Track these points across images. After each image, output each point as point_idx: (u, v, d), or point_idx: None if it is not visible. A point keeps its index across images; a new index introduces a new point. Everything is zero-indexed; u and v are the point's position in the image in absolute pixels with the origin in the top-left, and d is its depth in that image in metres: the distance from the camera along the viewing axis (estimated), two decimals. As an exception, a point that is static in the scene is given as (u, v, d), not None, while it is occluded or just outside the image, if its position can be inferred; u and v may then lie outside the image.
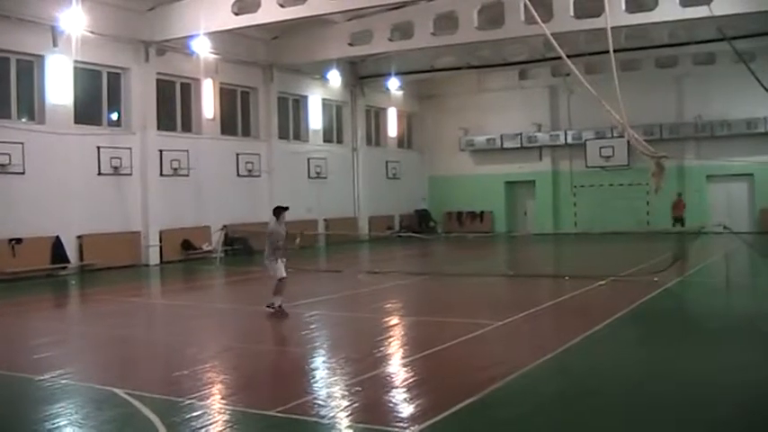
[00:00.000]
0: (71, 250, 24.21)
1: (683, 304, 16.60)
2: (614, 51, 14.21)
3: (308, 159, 34.67)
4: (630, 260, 23.25)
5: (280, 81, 32.73)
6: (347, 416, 8.05)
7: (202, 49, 26.98)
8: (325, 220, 34.66)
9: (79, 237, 24.56)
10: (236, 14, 24.94)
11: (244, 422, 7.99)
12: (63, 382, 9.73)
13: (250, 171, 31.23)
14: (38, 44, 23.51)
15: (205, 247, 28.28)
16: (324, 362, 11.14)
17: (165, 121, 28.09)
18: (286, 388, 9.48)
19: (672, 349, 11.21)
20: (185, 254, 27.89)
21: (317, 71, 34.40)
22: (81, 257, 24.58)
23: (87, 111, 25.47)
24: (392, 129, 41.13)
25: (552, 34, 15.02)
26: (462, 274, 21.88)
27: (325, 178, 35.39)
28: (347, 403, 8.54)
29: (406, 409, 8.30)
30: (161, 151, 27.26)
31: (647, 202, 35.10)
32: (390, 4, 25.98)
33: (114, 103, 26.66)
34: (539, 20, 15.21)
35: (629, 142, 24.20)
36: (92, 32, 23.97)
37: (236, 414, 8.23)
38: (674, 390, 8.78)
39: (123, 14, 25.73)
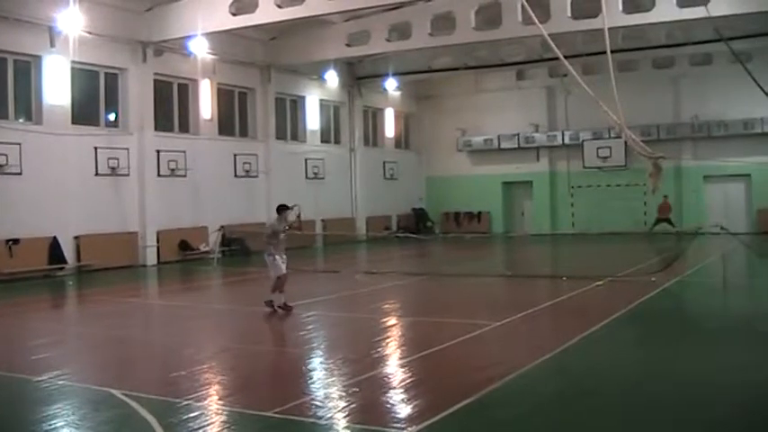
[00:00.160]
0: (68, 251, 24.18)
1: (680, 304, 16.61)
2: (611, 52, 14.23)
3: (306, 160, 34.67)
4: (628, 260, 23.27)
5: (277, 81, 32.72)
6: (345, 417, 8.04)
7: (200, 49, 26.95)
8: (322, 220, 34.65)
9: (76, 237, 24.53)
10: (234, 15, 24.93)
11: (241, 423, 7.98)
12: (60, 382, 9.72)
13: (247, 171, 31.22)
14: (35, 44, 23.48)
15: (202, 248, 28.27)
16: (321, 362, 11.13)
17: (163, 122, 28.08)
18: (284, 389, 9.48)
19: (670, 349, 11.22)
20: (183, 254, 27.87)
21: (315, 72, 34.41)
22: (78, 258, 24.55)
23: (84, 111, 25.45)
24: (389, 129, 41.14)
25: (549, 35, 15.02)
26: (460, 275, 21.89)
27: (322, 179, 35.39)
28: (345, 404, 8.53)
29: (404, 410, 8.29)
30: (158, 152, 27.25)
31: (645, 203, 35.16)
32: (388, 5, 25.98)
33: (112, 104, 26.64)
34: (536, 20, 15.21)
35: (626, 143, 24.24)
36: (89, 33, 23.94)
37: (233, 415, 8.22)
38: (673, 390, 8.79)
39: (121, 15, 25.71)
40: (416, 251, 31.45)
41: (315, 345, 12.73)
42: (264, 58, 31.84)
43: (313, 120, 35.62)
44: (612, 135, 35.36)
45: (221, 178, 30.04)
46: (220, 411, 8.39)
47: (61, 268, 23.81)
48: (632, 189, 35.41)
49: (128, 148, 26.25)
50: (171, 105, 28.93)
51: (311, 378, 10.20)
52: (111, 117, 26.79)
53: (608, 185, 37.64)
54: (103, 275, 23.98)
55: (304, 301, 16.14)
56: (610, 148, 36.54)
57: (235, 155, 30.81)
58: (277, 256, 15.28)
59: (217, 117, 30.31)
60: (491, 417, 7.99)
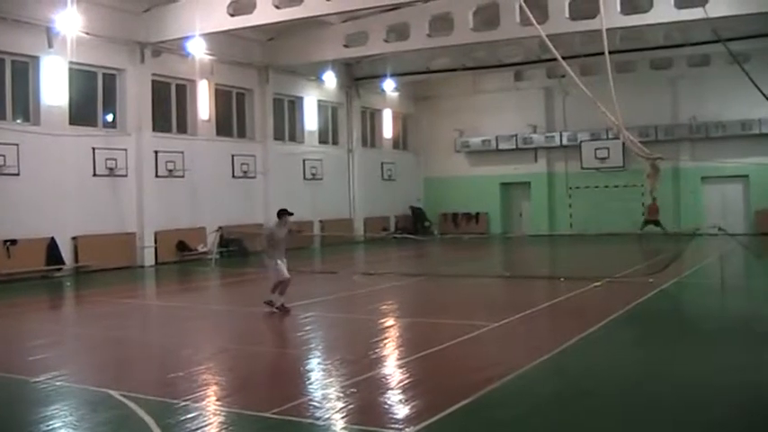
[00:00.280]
0: (66, 251, 24.17)
1: (678, 305, 16.62)
2: (609, 53, 14.25)
3: (304, 161, 34.66)
4: (626, 261, 23.28)
5: (275, 82, 32.72)
6: (342, 417, 8.04)
7: (198, 50, 26.97)
8: (320, 221, 34.66)
9: (74, 238, 24.52)
10: (232, 16, 24.93)
11: (239, 424, 7.97)
12: (58, 383, 9.71)
13: (245, 172, 31.21)
14: (33, 45, 23.47)
15: (200, 249, 28.28)
16: (319, 363, 11.13)
17: (161, 123, 28.06)
18: (282, 389, 9.47)
19: (668, 350, 11.22)
20: (180, 255, 27.87)
21: (313, 72, 34.41)
22: (76, 259, 24.54)
23: (82, 112, 25.44)
24: (387, 130, 41.16)
25: (547, 36, 15.04)
26: (458, 275, 21.89)
27: (320, 179, 35.38)
28: (342, 405, 8.53)
29: (402, 411, 8.29)
30: (156, 152, 27.23)
31: (643, 204, 35.14)
32: (386, 6, 25.98)
33: (109, 105, 26.63)
34: (534, 21, 15.23)
35: (624, 144, 24.27)
36: (87, 33, 23.93)
37: (231, 416, 8.21)
38: (671, 391, 8.78)
39: (119, 16, 25.71)
40: (414, 252, 31.46)
41: (313, 345, 12.73)
42: (262, 58, 31.84)
43: (311, 120, 35.61)
44: (610, 136, 35.41)
45: (219, 179, 30.02)
46: (218, 412, 8.38)
47: (59, 269, 23.78)
48: (630, 190, 35.45)
49: (126, 149, 26.23)
50: (169, 106, 28.91)
51: (309, 379, 10.20)
52: (109, 118, 26.77)
53: (606, 186, 37.65)
54: (101, 276, 23.96)
55: (302, 302, 16.13)
56: (608, 149, 36.58)
57: (233, 155, 30.80)
58: (279, 261, 15.28)
59: (215, 118, 30.30)
60: (489, 417, 7.99)
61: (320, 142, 36.29)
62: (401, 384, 9.46)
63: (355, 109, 38.15)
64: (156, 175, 27.23)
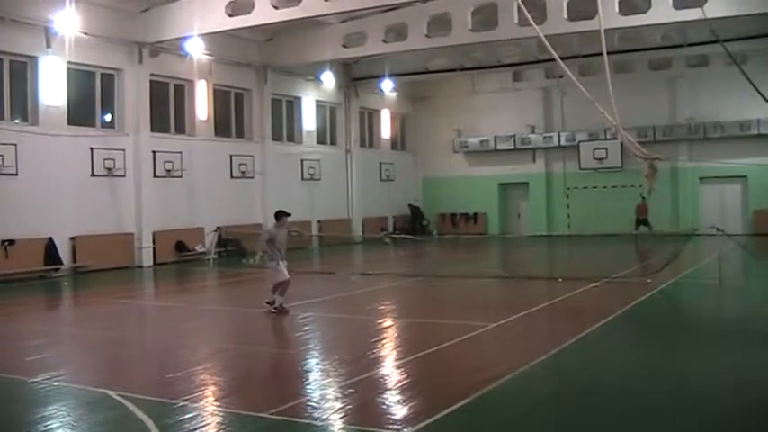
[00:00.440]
0: (64, 252, 24.16)
1: (676, 306, 16.63)
2: (607, 53, 14.23)
3: (302, 161, 34.65)
4: (624, 262, 23.28)
5: (273, 82, 32.72)
6: (341, 418, 8.03)
7: (196, 50, 26.97)
8: (318, 221, 34.66)
9: (72, 238, 24.51)
10: (230, 16, 24.92)
11: (237, 424, 7.97)
12: (56, 383, 9.71)
13: (243, 172, 31.20)
14: (31, 45, 23.45)
15: (198, 249, 28.28)
16: (317, 363, 11.13)
17: (159, 123, 28.03)
18: (280, 390, 9.48)
19: (666, 350, 11.23)
20: (179, 255, 27.86)
21: (311, 73, 34.41)
22: (74, 259, 24.52)
23: (81, 112, 25.42)
24: (386, 130, 41.15)
25: (546, 36, 15.01)
26: (456, 276, 21.89)
27: (318, 180, 35.37)
28: (341, 405, 8.53)
29: (400, 411, 8.30)
30: (154, 153, 27.22)
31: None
32: (384, 6, 25.98)
33: (108, 105, 26.62)
34: (532, 22, 15.21)
35: (622, 144, 24.29)
36: (85, 34, 23.94)
37: (229, 416, 8.21)
38: (669, 390, 8.79)
39: (117, 16, 25.71)
40: (412, 252, 31.46)
41: (311, 346, 12.73)
42: (260, 58, 31.83)
43: (309, 121, 35.60)
44: (608, 136, 35.46)
45: (217, 179, 30.01)
46: (216, 412, 8.38)
47: (57, 269, 23.77)
48: (628, 190, 35.41)
49: (124, 149, 26.22)
50: (167, 106, 28.90)
51: (307, 379, 10.19)
52: (107, 118, 26.77)
53: (604, 187, 37.66)
54: (99, 276, 23.95)
55: (300, 303, 16.12)
56: (606, 149, 36.57)
57: (231, 156, 30.79)
58: (280, 262, 15.29)
59: (213, 118, 30.29)
60: (487, 418, 8.00)
61: (318, 142, 36.29)
62: (399, 384, 9.46)
63: (353, 109, 38.15)
64: (155, 176, 27.21)
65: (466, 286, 20.11)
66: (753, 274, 22.00)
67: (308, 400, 8.78)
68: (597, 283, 18.40)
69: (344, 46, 30.11)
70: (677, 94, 36.51)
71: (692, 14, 22.75)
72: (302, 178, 34.54)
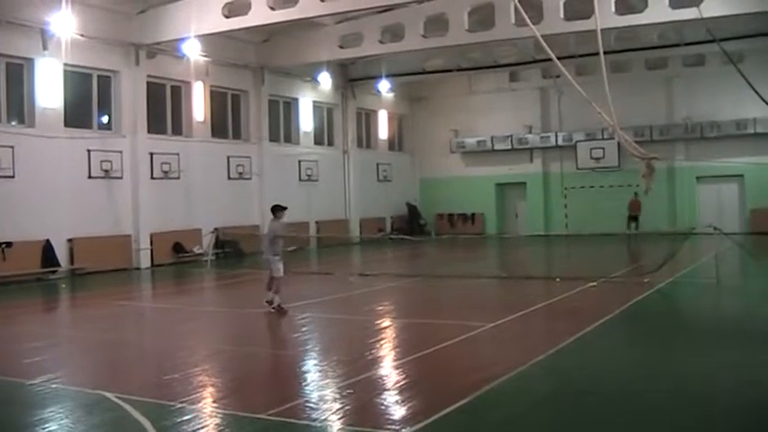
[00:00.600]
0: (62, 254, 24.11)
1: (674, 305, 16.64)
2: (604, 53, 14.22)
3: (299, 162, 34.64)
4: (621, 261, 23.30)
5: (270, 83, 32.70)
6: (339, 418, 8.04)
7: (193, 51, 26.94)
8: (316, 222, 34.66)
9: (70, 240, 24.47)
10: (227, 17, 24.90)
11: (235, 425, 7.97)
12: (53, 386, 9.70)
13: (241, 174, 31.19)
14: (28, 47, 23.42)
15: (196, 250, 28.24)
16: (315, 364, 11.13)
17: (156, 124, 27.99)
18: (277, 391, 9.48)
19: (663, 350, 11.25)
20: (176, 257, 27.83)
21: (308, 74, 34.39)
22: (71, 261, 24.49)
23: (77, 114, 25.40)
24: (383, 131, 41.14)
25: (542, 36, 15.01)
26: (454, 276, 21.89)
27: (315, 181, 35.37)
28: (339, 406, 8.53)
29: (398, 412, 8.30)
30: (151, 154, 27.19)
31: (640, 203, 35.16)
32: (381, 7, 25.99)
33: (104, 106, 26.58)
34: (529, 22, 15.22)
35: (619, 144, 24.23)
36: (82, 35, 23.89)
37: (227, 417, 8.21)
38: (667, 390, 8.80)
39: (113, 17, 25.67)
40: (410, 252, 31.46)
41: (309, 347, 12.73)
42: (257, 60, 31.82)
43: (306, 122, 35.60)
44: (605, 136, 35.48)
45: (214, 180, 29.99)
46: (214, 414, 8.38)
47: (54, 271, 23.74)
48: (625, 190, 35.37)
49: (121, 151, 26.19)
50: (164, 108, 28.86)
51: (305, 380, 10.19)
52: (104, 119, 26.73)
53: (601, 186, 37.65)
54: (97, 278, 23.92)
55: (298, 303, 16.13)
56: (603, 149, 36.59)
57: (228, 157, 30.78)
58: (279, 257, 15.44)
59: (210, 119, 30.27)
60: (485, 418, 8.00)
61: (315, 143, 36.28)
62: (398, 385, 9.47)
63: (350, 110, 38.14)
64: (152, 177, 27.18)
65: (464, 286, 20.11)
66: (750, 273, 22.02)
67: (307, 401, 8.78)
68: (595, 283, 18.41)
69: (341, 47, 30.10)
70: (674, 93, 36.55)
71: (688, 14, 22.78)
72: (300, 179, 34.53)
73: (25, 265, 22.90)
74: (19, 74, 23.76)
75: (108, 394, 9.00)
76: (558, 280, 20.07)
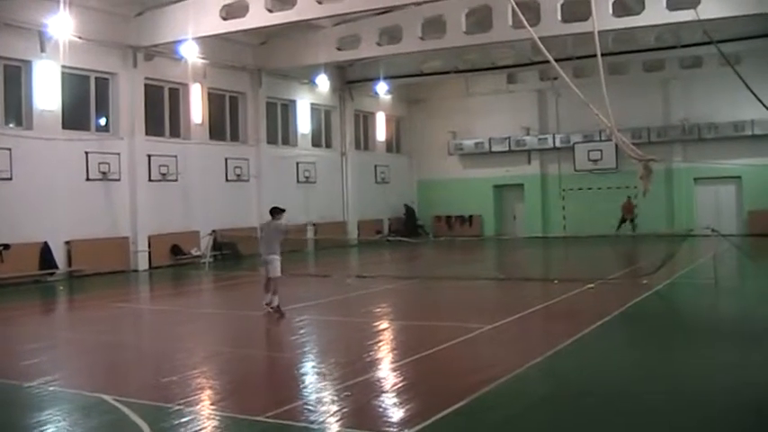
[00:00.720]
0: (59, 256, 24.09)
1: (672, 306, 16.65)
2: (602, 55, 14.24)
3: (297, 164, 34.63)
4: (619, 263, 23.30)
5: (268, 86, 32.71)
6: (337, 421, 8.03)
7: (190, 53, 26.94)
8: (314, 224, 34.66)
9: (67, 242, 24.45)
10: (225, 19, 24.91)
11: (233, 428, 7.97)
12: (51, 388, 9.69)
13: (239, 176, 31.18)
14: (25, 49, 23.42)
15: (194, 252, 28.23)
16: (313, 366, 11.13)
17: (154, 127, 27.99)
18: (275, 393, 9.47)
19: (662, 351, 11.26)
20: (174, 259, 27.81)
21: (306, 76, 34.39)
22: (69, 263, 24.47)
23: (75, 116, 25.39)
24: (381, 133, 41.14)
25: (540, 38, 15.02)
26: (452, 278, 21.89)
27: (313, 183, 35.37)
28: (337, 408, 8.52)
29: (396, 414, 8.30)
30: (149, 156, 27.19)
31: (636, 205, 35.22)
32: (378, 9, 26.00)
33: (102, 109, 26.58)
34: (526, 24, 15.22)
35: (616, 145, 24.22)
36: (79, 38, 23.89)
37: (225, 420, 8.20)
38: (665, 391, 8.80)
39: (111, 19, 25.67)
40: (408, 254, 31.45)
41: (307, 349, 12.72)
42: (255, 62, 31.82)
43: (304, 124, 35.59)
44: (603, 138, 35.49)
45: (212, 183, 29.98)
46: (212, 416, 8.37)
47: (52, 274, 23.72)
48: (623, 192, 35.42)
49: (118, 153, 26.18)
50: (162, 110, 28.86)
51: (303, 382, 10.19)
52: (102, 122, 26.72)
53: (599, 188, 37.67)
54: (95, 281, 23.90)
55: (296, 305, 16.12)
56: (600, 150, 36.60)
57: (226, 159, 30.77)
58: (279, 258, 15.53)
59: (208, 121, 30.27)
60: (483, 420, 8.00)
61: (313, 145, 36.27)
62: (395, 387, 9.46)
63: (348, 112, 38.14)
64: (150, 179, 27.17)
65: (461, 288, 20.11)
66: (748, 274, 22.04)
67: (305, 404, 8.78)
68: (593, 285, 18.42)
69: (339, 49, 30.12)
70: (671, 95, 36.59)
71: (685, 16, 22.80)
72: (297, 181, 34.52)
73: (23, 267, 22.88)
74: (17, 76, 23.75)
75: (106, 397, 8.99)
76: (556, 282, 20.07)
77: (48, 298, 21.27)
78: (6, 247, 22.49)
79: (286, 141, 34.90)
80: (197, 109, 29.60)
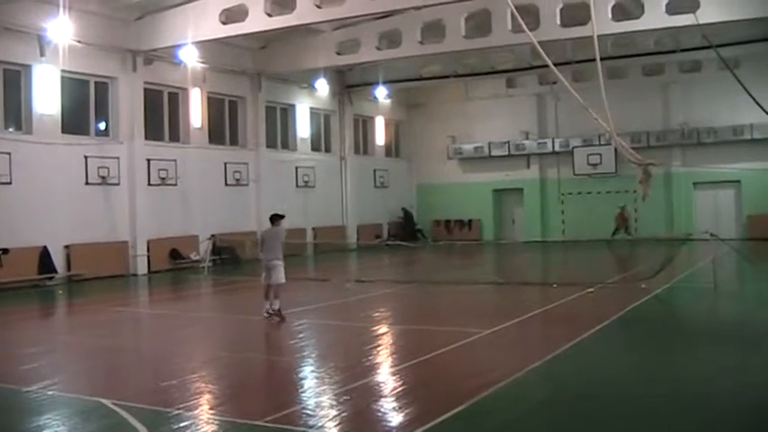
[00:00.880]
0: (59, 260, 24.08)
1: (671, 311, 16.63)
2: (601, 59, 14.26)
3: (296, 168, 34.64)
4: (618, 267, 23.28)
5: (267, 90, 32.72)
6: (336, 425, 8.03)
7: (190, 58, 26.97)
8: (313, 228, 34.66)
9: (67, 247, 24.44)
10: (224, 23, 24.94)
11: (232, 432, 7.98)
12: (50, 392, 9.67)
13: (238, 180, 31.18)
14: (25, 53, 23.43)
15: (193, 257, 28.20)
16: (312, 371, 11.11)
17: (153, 131, 28.00)
18: (274, 397, 9.47)
19: (661, 355, 11.25)
20: (173, 263, 27.80)
21: (305, 80, 34.42)
22: (68, 267, 24.46)
23: (75, 120, 25.39)
24: (380, 137, 41.15)
25: (539, 42, 15.05)
26: (451, 282, 21.87)
27: (313, 187, 35.37)
28: (336, 412, 8.52)
29: (395, 418, 8.29)
30: (149, 160, 27.20)
31: (636, 209, 35.26)
32: (378, 13, 26.03)
33: (102, 113, 26.58)
34: (525, 28, 15.24)
35: (616, 150, 24.30)
36: (79, 42, 23.91)
37: (224, 424, 8.19)
38: (665, 394, 8.80)
39: (111, 24, 25.69)
40: (407, 259, 31.45)
41: (306, 353, 12.71)
42: (254, 66, 31.83)
43: (303, 128, 35.60)
44: (602, 142, 35.57)
45: (211, 187, 29.98)
46: (211, 420, 8.36)
47: (51, 278, 23.69)
48: (622, 196, 35.43)
49: (118, 157, 26.18)
50: (161, 114, 28.87)
51: (302, 386, 10.18)
52: (102, 126, 26.72)
53: (598, 192, 37.66)
54: (94, 285, 23.88)
55: (295, 310, 16.10)
56: (600, 155, 36.65)
57: (225, 163, 30.76)
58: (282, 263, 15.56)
59: (207, 126, 30.27)
60: (482, 424, 7.99)
61: (313, 150, 36.28)
62: (394, 392, 9.45)
63: (348, 116, 38.15)
64: (149, 184, 27.17)
65: (461, 293, 20.08)
66: (747, 278, 22.03)
67: (303, 408, 8.77)
68: (592, 289, 18.42)
69: (338, 53, 30.15)
70: (670, 99, 36.61)
71: (684, 20, 22.82)
72: (297, 185, 34.53)
73: (22, 271, 22.87)
74: (16, 80, 23.77)
75: (105, 401, 8.97)
76: (555, 286, 20.06)
77: (47, 302, 21.25)
78: (5, 251, 22.48)
79: (285, 146, 34.92)
80: (196, 113, 29.61)
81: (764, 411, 8.42)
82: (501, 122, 39.70)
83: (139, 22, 26.24)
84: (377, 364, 11.49)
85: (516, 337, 13.34)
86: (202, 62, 28.47)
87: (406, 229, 40.25)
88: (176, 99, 29.36)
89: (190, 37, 25.13)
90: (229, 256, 29.63)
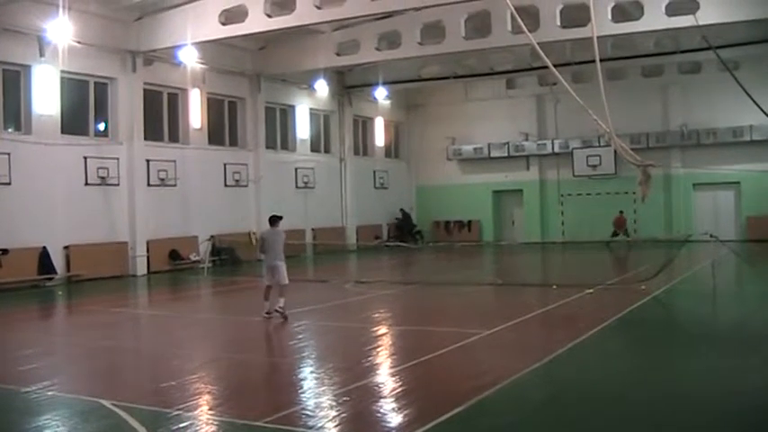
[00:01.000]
0: (58, 261, 24.07)
1: (670, 312, 16.63)
2: (600, 60, 14.26)
3: (296, 169, 34.64)
4: (618, 268, 23.27)
5: (267, 91, 32.72)
6: (335, 426, 8.02)
7: (189, 59, 26.97)
8: (312, 229, 34.65)
9: (66, 247, 24.43)
10: (224, 24, 24.95)
11: (231, 433, 7.97)
12: (49, 393, 9.67)
13: (237, 181, 31.18)
14: (24, 54, 23.43)
15: (192, 258, 28.20)
16: (311, 372, 11.11)
17: (153, 132, 27.99)
18: (274, 398, 9.47)
19: (659, 357, 11.24)
20: (173, 264, 27.78)
21: (305, 81, 34.42)
22: (68, 268, 24.45)
23: (74, 121, 25.38)
24: (379, 138, 41.15)
25: (539, 43, 15.05)
26: (450, 283, 21.87)
27: (312, 188, 35.37)
28: (335, 413, 8.51)
29: (395, 419, 8.29)
30: (148, 161, 27.19)
31: (635, 211, 35.26)
32: (377, 14, 26.03)
33: (101, 114, 26.58)
34: (525, 29, 15.24)
35: (615, 151, 24.26)
36: (79, 42, 23.90)
37: (223, 425, 8.19)
38: (664, 396, 8.80)
39: (110, 24, 25.68)
40: (406, 260, 31.44)
41: (305, 354, 12.71)
42: (254, 67, 31.83)
43: (303, 129, 35.60)
44: (602, 143, 35.54)
45: (211, 188, 29.98)
46: (210, 421, 8.36)
47: (51, 278, 23.69)
48: (622, 197, 35.45)
49: (117, 158, 26.18)
50: (161, 115, 28.87)
51: (301, 387, 10.18)
52: (101, 127, 26.71)
53: (598, 193, 37.68)
54: (93, 285, 23.87)
55: (294, 311, 16.07)
56: (599, 156, 36.66)
57: (225, 164, 30.76)
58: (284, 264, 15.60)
59: (206, 126, 30.27)
60: (481, 425, 7.98)
61: (312, 151, 36.27)
62: (394, 392, 9.45)
63: (347, 117, 38.14)
64: (148, 184, 27.17)
65: (460, 294, 20.08)
66: (746, 280, 22.05)
67: (303, 409, 8.78)
68: (591, 290, 18.42)
69: (338, 54, 30.15)
70: (670, 100, 36.60)
71: (684, 21, 22.85)
72: (296, 186, 34.53)
73: (21, 272, 22.87)
74: (16, 81, 23.76)
75: (104, 401, 8.97)
76: (554, 287, 20.06)
77: (46, 303, 21.23)
78: (5, 251, 22.48)
79: (285, 146, 34.92)
80: (196, 114, 29.61)
81: (764, 412, 8.42)
82: (500, 124, 39.69)
83: (139, 22, 26.25)
84: (376, 364, 11.49)
85: (516, 339, 13.34)
86: (202, 63, 28.47)
87: (403, 231, 40.22)
88: (176, 100, 29.36)
89: (189, 38, 25.12)
90: (229, 257, 29.63)
